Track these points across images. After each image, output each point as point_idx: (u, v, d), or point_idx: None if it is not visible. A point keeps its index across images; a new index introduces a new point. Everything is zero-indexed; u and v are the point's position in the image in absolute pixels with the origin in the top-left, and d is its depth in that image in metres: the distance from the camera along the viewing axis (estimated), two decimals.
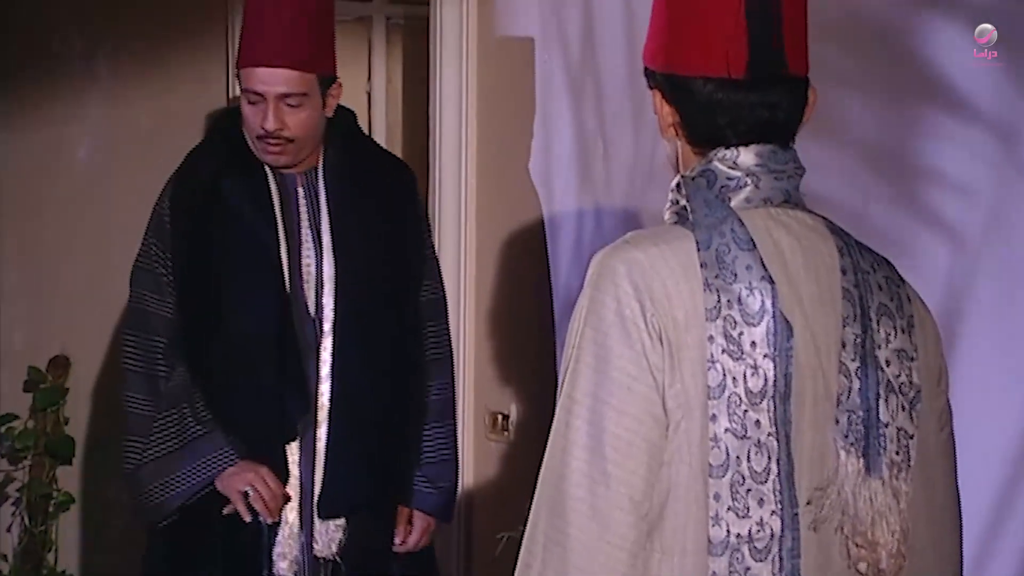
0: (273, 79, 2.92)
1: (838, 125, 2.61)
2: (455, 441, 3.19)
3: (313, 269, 3.01)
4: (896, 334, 1.76)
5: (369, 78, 4.86)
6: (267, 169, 3.02)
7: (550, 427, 1.72)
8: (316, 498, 2.99)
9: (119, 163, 4.34)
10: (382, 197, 3.09)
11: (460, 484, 3.61)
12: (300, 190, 3.04)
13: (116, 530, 4.33)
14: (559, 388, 1.71)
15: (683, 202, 1.75)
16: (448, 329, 3.21)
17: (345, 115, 3.12)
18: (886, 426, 1.73)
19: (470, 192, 3.77)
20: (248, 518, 2.92)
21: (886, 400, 1.73)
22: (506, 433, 3.69)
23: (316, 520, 3.00)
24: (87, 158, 4.37)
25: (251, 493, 2.90)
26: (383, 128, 4.72)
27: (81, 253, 4.36)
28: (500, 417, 3.71)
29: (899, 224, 2.55)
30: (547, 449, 1.70)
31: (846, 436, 1.72)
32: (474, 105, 3.78)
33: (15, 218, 4.39)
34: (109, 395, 4.29)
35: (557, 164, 3.53)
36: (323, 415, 2.98)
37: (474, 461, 3.79)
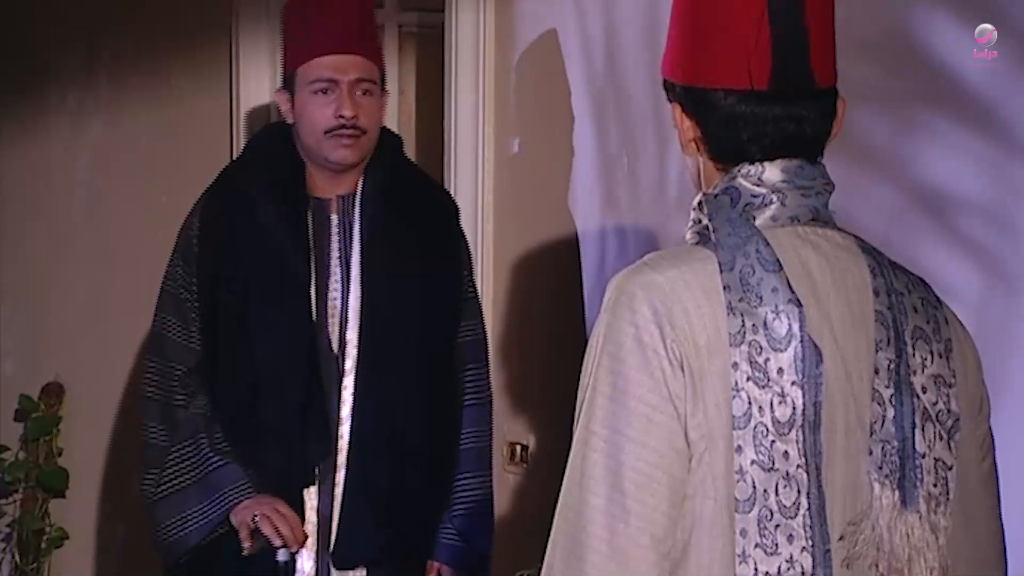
0: (347, 65, 3.00)
1: (863, 144, 2.62)
2: (491, 494, 3.16)
3: (339, 302, 3.01)
4: (933, 359, 1.76)
5: None
6: (306, 192, 3.03)
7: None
8: (332, 546, 2.99)
9: (118, 183, 4.36)
10: (421, 231, 3.09)
11: None
12: (334, 217, 3.05)
13: (112, 567, 4.34)
14: (575, 419, 1.72)
15: (705, 221, 1.76)
16: (488, 373, 3.19)
17: (390, 139, 3.15)
18: (923, 457, 1.73)
19: (487, 210, 3.78)
20: (248, 544, 2.91)
21: (922, 429, 1.74)
22: (525, 464, 3.70)
23: (333, 570, 3.00)
24: (85, 178, 4.39)
25: (258, 518, 2.90)
26: None
27: (78, 275, 4.38)
28: (518, 448, 3.71)
29: (928, 250, 2.55)
30: (563, 484, 1.71)
31: (880, 468, 1.72)
32: (491, 118, 3.79)
33: (9, 237, 4.41)
34: (105, 425, 4.31)
35: (579, 183, 3.54)
36: (342, 458, 2.98)
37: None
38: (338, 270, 3.02)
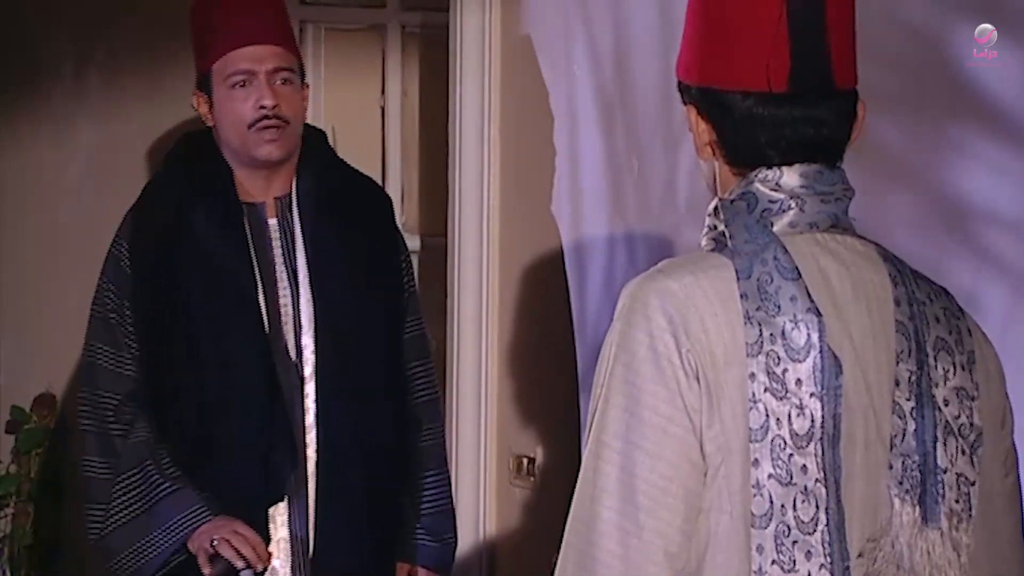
0: (263, 54, 3.00)
1: (884, 153, 2.62)
2: (451, 490, 3.22)
3: (290, 309, 3.02)
4: (955, 371, 1.77)
5: (383, 91, 4.88)
6: (238, 197, 3.04)
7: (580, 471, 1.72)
8: (311, 560, 3.00)
9: (112, 189, 4.36)
10: (361, 227, 3.12)
11: (483, 533, 3.61)
12: (272, 221, 3.06)
13: None
14: (587, 430, 1.72)
15: (721, 227, 1.76)
16: (433, 369, 3.24)
17: (316, 135, 3.17)
18: (944, 472, 1.73)
19: (493, 216, 3.78)
20: (208, 570, 2.91)
21: (944, 443, 1.74)
22: (532, 478, 3.70)
23: None
24: (77, 182, 4.39)
25: (216, 542, 2.91)
26: (398, 145, 4.74)
27: (70, 283, 4.38)
28: (525, 461, 3.71)
29: (953, 263, 2.55)
30: (574, 497, 1.71)
31: (900, 483, 1.72)
32: (497, 120, 3.79)
33: None
34: None
35: (586, 189, 3.54)
36: (312, 468, 3.00)
37: (497, 509, 3.79)
38: (284, 275, 3.04)
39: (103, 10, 4.34)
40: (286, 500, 2.99)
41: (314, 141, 3.13)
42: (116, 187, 4.34)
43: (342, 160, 3.25)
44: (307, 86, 3.11)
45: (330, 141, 3.30)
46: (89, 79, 4.36)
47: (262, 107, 2.97)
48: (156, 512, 2.94)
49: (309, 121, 3.17)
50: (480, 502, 3.76)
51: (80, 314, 4.35)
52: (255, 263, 3.01)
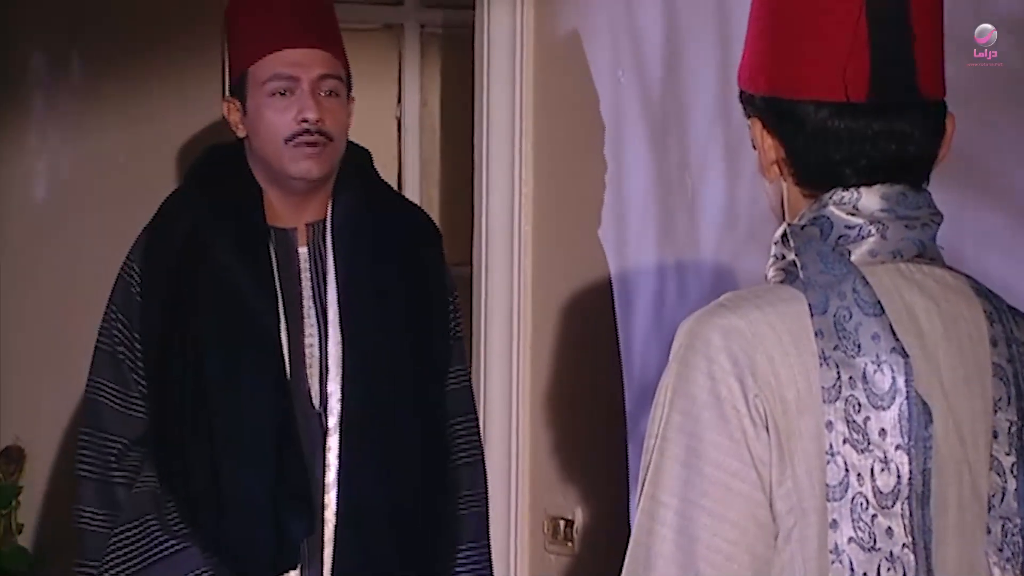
0: (309, 59, 2.99)
1: (968, 167, 2.62)
2: (491, 565, 3.19)
3: (316, 350, 3.03)
4: None
5: (399, 100, 4.91)
6: (266, 220, 3.05)
7: (626, 536, 1.73)
8: None
9: (87, 207, 4.39)
10: (403, 261, 3.10)
11: None
12: (303, 250, 3.06)
13: None
14: (640, 487, 1.73)
15: (791, 256, 1.77)
16: (478, 426, 3.22)
17: (359, 154, 3.16)
18: None
19: (525, 244, 3.79)
20: None
21: None
22: (570, 544, 3.70)
23: None
24: (47, 200, 4.42)
25: None
26: (416, 162, 4.77)
27: (39, 318, 4.40)
28: (562, 524, 3.72)
29: None
30: (625, 565, 1.72)
31: (1000, 549, 1.73)
32: (530, 133, 3.80)
33: None
34: (72, 495, 4.33)
35: (631, 211, 3.55)
36: (329, 533, 3.00)
37: None
38: (312, 312, 3.03)
39: (80, 8, 4.37)
40: (298, 569, 3.00)
41: (355, 161, 3.12)
42: (91, 211, 4.36)
43: (387, 184, 3.24)
44: (353, 99, 3.10)
45: None
46: (61, 86, 4.39)
47: (304, 120, 2.97)
48: (153, 572, 2.95)
49: None
50: (511, 571, 3.76)
51: (51, 352, 4.37)
52: (280, 296, 3.02)
